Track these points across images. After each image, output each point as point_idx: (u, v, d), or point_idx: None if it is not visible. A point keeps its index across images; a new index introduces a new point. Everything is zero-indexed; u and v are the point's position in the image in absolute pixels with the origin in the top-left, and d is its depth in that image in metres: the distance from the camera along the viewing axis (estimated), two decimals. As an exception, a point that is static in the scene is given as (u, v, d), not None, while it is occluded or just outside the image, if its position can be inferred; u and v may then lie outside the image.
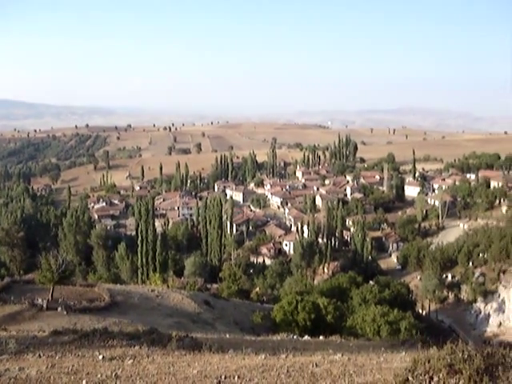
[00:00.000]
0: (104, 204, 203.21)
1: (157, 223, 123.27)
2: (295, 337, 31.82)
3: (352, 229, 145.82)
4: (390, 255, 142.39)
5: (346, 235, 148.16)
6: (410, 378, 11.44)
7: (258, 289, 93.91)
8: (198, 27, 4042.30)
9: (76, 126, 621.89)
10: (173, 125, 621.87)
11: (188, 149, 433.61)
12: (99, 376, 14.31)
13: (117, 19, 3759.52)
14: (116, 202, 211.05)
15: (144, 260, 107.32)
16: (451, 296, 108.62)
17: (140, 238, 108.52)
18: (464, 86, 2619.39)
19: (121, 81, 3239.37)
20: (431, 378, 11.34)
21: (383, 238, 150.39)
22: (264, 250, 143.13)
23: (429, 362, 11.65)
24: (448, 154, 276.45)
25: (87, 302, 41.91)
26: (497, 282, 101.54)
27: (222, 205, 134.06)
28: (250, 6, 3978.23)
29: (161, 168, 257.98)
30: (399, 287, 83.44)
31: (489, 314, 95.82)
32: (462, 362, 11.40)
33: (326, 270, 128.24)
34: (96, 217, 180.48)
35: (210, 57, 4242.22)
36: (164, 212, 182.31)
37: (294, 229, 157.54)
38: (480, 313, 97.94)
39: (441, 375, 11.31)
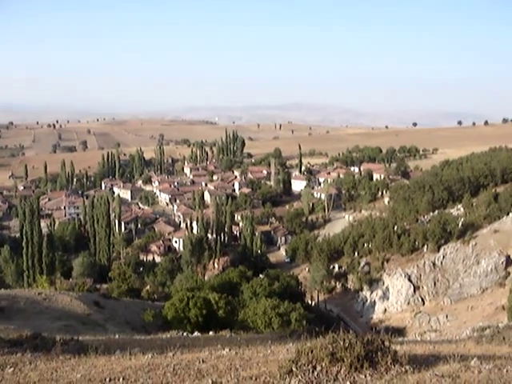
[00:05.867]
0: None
1: (42, 224, 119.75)
2: (185, 334, 31.74)
3: (241, 223, 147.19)
4: (279, 248, 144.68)
5: (235, 230, 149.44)
6: (294, 369, 11.64)
7: (148, 287, 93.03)
8: (85, 24, 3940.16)
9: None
10: (57, 122, 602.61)
11: (73, 146, 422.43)
12: (-24, 388, 13.63)
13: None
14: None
15: (30, 262, 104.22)
16: (339, 286, 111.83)
17: (25, 240, 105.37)
18: (347, 83, 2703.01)
19: (0, 77, 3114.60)
20: (314, 368, 11.60)
21: (272, 232, 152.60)
22: (153, 248, 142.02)
23: (312, 352, 11.90)
24: (332, 148, 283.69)
25: (-32, 310, 40.09)
26: (381, 271, 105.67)
27: (109, 203, 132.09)
28: (139, 5, 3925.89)
29: (45, 167, 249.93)
30: (288, 279, 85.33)
31: (374, 301, 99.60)
32: (343, 350, 11.73)
33: (216, 265, 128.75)
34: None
35: (95, 53, 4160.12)
36: (50, 212, 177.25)
37: (183, 225, 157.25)
38: (366, 301, 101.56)
39: (323, 364, 11.59)
